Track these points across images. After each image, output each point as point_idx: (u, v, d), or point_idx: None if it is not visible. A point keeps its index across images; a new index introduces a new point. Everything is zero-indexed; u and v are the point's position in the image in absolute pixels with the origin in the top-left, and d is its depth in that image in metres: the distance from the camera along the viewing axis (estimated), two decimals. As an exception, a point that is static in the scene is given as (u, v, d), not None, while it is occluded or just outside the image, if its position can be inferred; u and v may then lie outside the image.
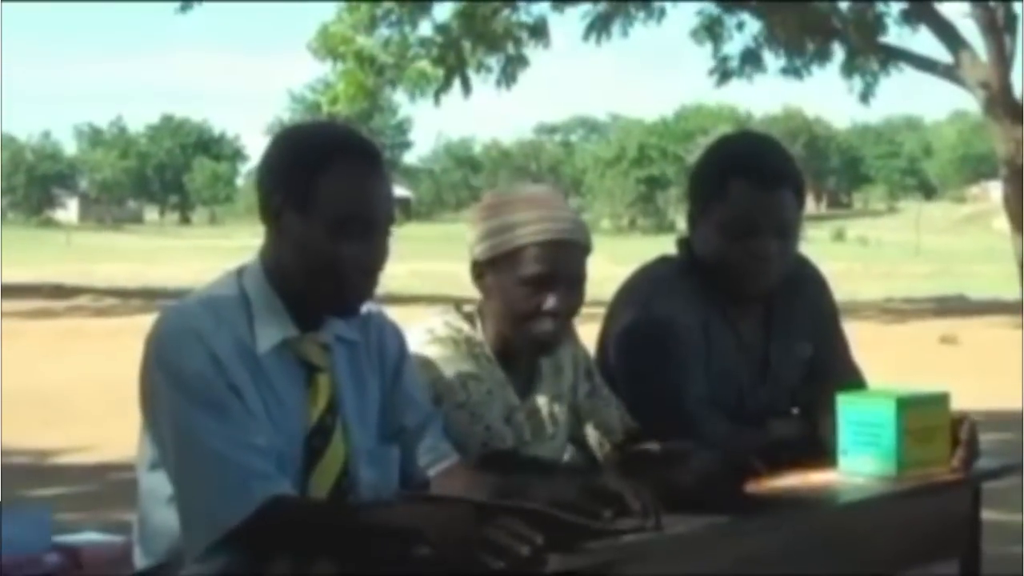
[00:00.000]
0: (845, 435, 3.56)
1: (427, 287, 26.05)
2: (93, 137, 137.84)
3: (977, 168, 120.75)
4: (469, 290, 3.54)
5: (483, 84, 25.08)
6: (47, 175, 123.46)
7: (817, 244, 55.18)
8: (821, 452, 3.62)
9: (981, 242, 64.81)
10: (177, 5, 24.81)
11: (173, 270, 39.17)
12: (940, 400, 3.62)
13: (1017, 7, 23.54)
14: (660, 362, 3.75)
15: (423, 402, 3.26)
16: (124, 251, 58.73)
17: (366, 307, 3.13)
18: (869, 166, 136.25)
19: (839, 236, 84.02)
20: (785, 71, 25.94)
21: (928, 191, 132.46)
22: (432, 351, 3.43)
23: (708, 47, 26.08)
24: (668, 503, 2.97)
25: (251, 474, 2.86)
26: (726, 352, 3.86)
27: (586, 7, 25.28)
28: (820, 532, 3.40)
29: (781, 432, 3.78)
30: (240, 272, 3.08)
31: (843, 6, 25.33)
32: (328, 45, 24.64)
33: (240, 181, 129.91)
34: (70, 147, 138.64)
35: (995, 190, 61.92)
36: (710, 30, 26.00)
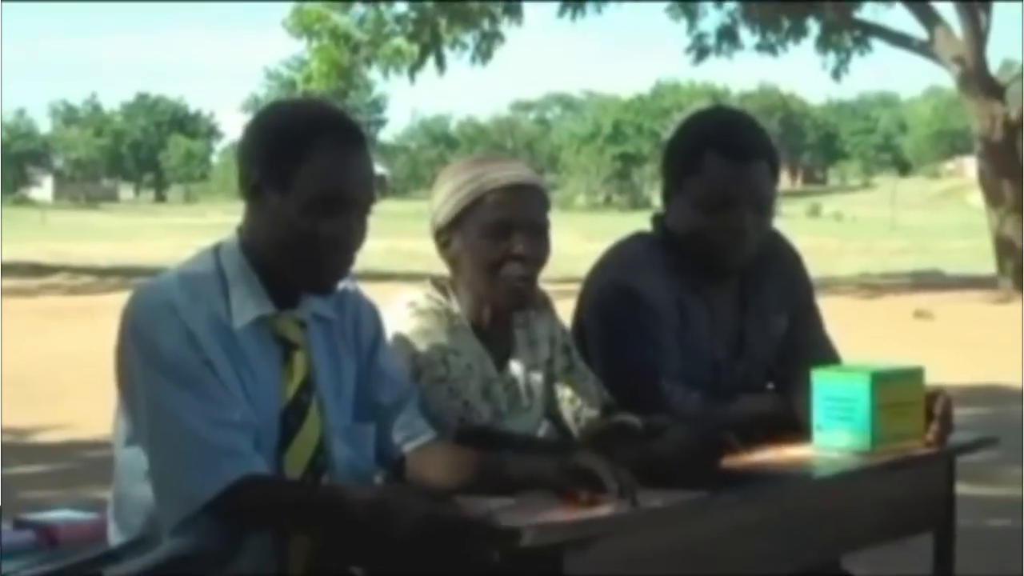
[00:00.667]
0: (820, 410, 3.57)
1: (403, 264, 26.03)
2: (68, 115, 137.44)
3: (952, 144, 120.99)
4: (443, 267, 3.55)
5: (458, 61, 25.12)
6: (21, 153, 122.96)
7: (793, 220, 55.26)
8: (796, 427, 3.64)
9: (956, 218, 64.93)
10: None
11: (149, 248, 39.04)
12: (915, 375, 3.63)
13: (990, -18, 23.56)
14: (634, 338, 3.76)
15: (399, 379, 3.26)
16: (99, 229, 58.53)
17: (342, 284, 3.13)
18: (844, 142, 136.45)
19: (814, 212, 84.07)
20: (760, 47, 25.89)
21: (903, 167, 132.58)
22: (415, 323, 3.44)
23: (683, 24, 26.07)
24: (644, 478, 2.98)
25: (224, 451, 2.87)
26: (700, 328, 3.87)
27: (560, -16, 25.22)
28: (795, 507, 3.41)
29: (756, 407, 3.79)
30: (217, 248, 3.07)
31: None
32: (303, 22, 24.57)
33: (215, 159, 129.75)
34: (44, 125, 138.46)
35: (970, 166, 62.05)
36: (685, 7, 25.97)
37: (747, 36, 25.87)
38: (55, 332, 17.03)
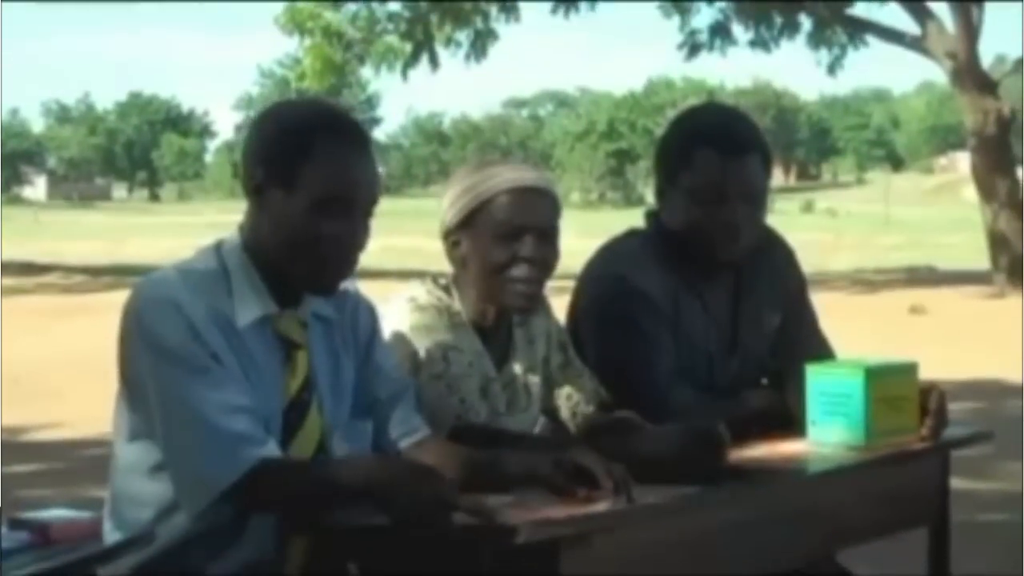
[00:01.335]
0: (814, 405, 3.57)
1: (397, 262, 26.02)
2: (61, 114, 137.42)
3: (945, 139, 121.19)
4: (438, 264, 3.56)
5: (451, 58, 25.02)
6: (15, 152, 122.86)
7: (786, 216, 55.24)
8: (790, 422, 3.64)
9: (950, 213, 64.97)
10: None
11: (143, 247, 39.04)
12: (909, 370, 3.64)
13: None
14: (629, 334, 3.76)
15: (395, 374, 3.26)
16: (93, 228, 58.51)
17: (342, 284, 3.13)
18: (837, 138, 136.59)
19: (808, 208, 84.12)
20: (753, 43, 25.85)
21: (896, 162, 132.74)
22: (415, 319, 3.44)
23: (676, 20, 26.04)
24: (640, 475, 2.98)
25: (240, 438, 2.88)
26: (695, 323, 3.87)
27: (554, -19, 25.19)
28: (789, 502, 3.42)
29: (750, 403, 3.79)
30: (219, 246, 3.07)
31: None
32: (296, 20, 24.53)
33: (209, 157, 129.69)
34: (38, 124, 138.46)
35: (963, 161, 62.16)
36: (677, 3, 25.95)
37: (740, 32, 25.88)
38: (49, 331, 17.01)
